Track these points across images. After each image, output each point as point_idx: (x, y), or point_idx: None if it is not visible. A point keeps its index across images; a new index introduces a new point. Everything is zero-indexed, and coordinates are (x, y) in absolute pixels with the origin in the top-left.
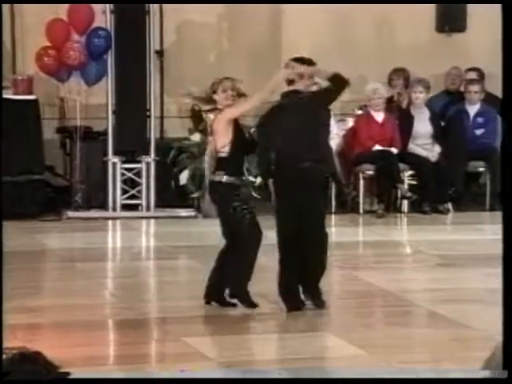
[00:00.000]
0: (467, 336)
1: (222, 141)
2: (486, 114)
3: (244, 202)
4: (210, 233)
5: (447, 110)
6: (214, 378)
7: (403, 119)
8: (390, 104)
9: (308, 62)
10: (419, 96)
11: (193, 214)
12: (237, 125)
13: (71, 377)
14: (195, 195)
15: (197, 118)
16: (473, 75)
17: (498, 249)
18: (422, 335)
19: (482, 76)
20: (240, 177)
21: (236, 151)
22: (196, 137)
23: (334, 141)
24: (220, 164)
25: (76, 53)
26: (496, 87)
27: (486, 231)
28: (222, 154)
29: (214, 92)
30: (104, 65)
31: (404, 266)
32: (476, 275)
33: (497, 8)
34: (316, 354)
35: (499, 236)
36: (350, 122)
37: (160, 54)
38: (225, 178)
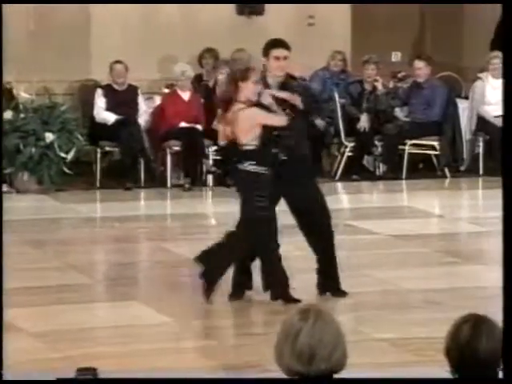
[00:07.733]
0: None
1: (247, 136)
2: None
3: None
4: (24, 208)
5: None
6: (208, 378)
7: (209, 98)
8: (199, 82)
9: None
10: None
11: (5, 189)
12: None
13: None
14: (8, 171)
15: (8, 96)
16: None
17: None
18: (222, 301)
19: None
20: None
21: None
22: (8, 114)
23: (143, 118)
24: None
25: None
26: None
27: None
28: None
29: (243, 79)
30: None
31: (209, 237)
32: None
33: None
34: (126, 322)
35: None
36: (158, 100)
37: None
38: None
